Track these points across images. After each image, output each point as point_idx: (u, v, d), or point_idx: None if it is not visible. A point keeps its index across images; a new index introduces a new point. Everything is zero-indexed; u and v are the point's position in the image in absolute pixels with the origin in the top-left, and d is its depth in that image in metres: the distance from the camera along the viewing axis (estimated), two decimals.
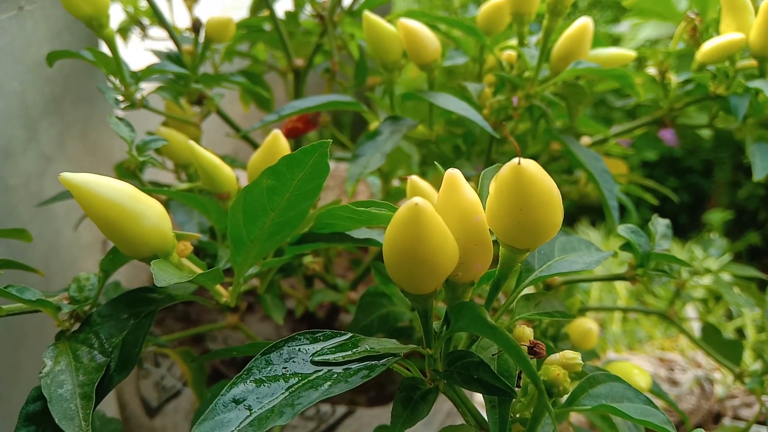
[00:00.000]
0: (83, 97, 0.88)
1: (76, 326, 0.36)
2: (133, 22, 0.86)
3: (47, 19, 0.80)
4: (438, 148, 0.55)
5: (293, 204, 0.32)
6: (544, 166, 0.57)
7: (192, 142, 0.39)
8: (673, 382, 0.81)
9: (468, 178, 0.54)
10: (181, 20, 0.82)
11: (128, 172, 0.43)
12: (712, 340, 0.61)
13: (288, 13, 0.67)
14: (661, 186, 0.64)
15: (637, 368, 0.42)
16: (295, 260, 0.47)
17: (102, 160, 0.94)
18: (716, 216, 1.77)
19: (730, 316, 1.02)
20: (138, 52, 0.86)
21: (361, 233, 0.36)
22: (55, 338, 0.36)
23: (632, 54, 0.54)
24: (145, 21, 0.88)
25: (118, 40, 0.88)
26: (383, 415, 0.59)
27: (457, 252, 0.25)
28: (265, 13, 0.78)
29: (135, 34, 0.89)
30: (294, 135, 0.66)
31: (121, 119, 0.42)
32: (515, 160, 0.24)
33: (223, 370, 0.69)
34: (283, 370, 0.26)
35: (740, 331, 0.98)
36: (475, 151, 0.55)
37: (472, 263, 0.27)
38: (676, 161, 2.01)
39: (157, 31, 0.86)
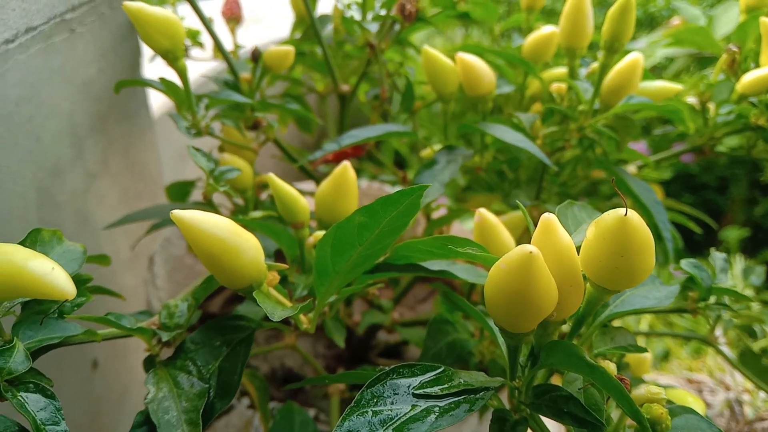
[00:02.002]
0: (125, 116, 0.90)
1: (164, 352, 0.37)
2: None
3: (95, 40, 0.82)
4: (486, 175, 0.57)
5: (380, 239, 0.34)
6: (588, 195, 0.58)
7: (272, 175, 0.41)
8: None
9: (513, 208, 0.55)
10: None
11: (205, 200, 0.45)
12: (750, 364, 0.62)
13: (337, 41, 0.69)
14: (701, 213, 0.66)
15: (691, 396, 0.44)
16: None
17: (141, 177, 0.96)
18: (733, 233, 1.78)
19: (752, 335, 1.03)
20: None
21: (435, 265, 0.38)
22: (144, 363, 0.38)
23: (679, 87, 0.56)
24: (187, 42, 0.90)
25: (159, 60, 0.90)
26: None
27: (557, 294, 0.27)
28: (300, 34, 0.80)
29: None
30: (341, 160, 0.67)
31: (198, 149, 0.44)
32: (621, 210, 0.25)
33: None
34: (389, 402, 0.28)
35: (765, 351, 0.98)
36: (522, 178, 0.57)
37: (566, 303, 0.28)
38: (692, 177, 2.02)
39: (198, 52, 0.88)
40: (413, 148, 1.67)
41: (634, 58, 0.51)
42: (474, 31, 2.03)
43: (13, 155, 0.65)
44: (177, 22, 0.45)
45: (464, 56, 0.51)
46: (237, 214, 0.56)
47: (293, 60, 0.57)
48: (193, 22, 0.77)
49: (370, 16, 0.67)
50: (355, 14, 0.72)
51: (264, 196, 0.66)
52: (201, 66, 1.10)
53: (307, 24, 0.78)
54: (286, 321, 0.42)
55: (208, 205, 0.46)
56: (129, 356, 0.92)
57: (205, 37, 0.76)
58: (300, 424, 0.43)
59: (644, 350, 0.34)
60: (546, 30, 0.59)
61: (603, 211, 0.41)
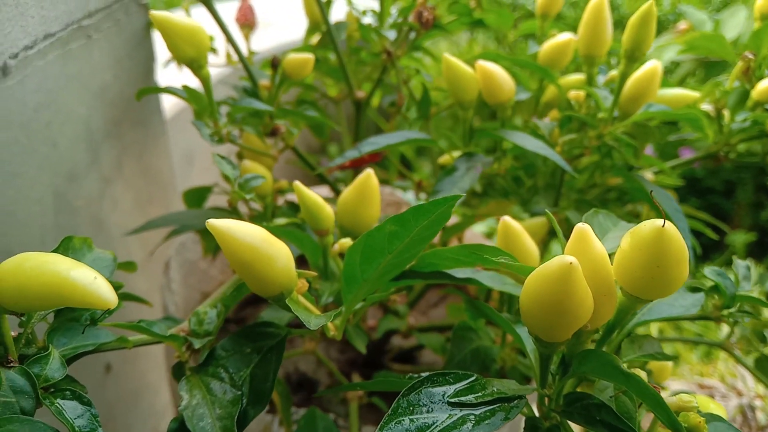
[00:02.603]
0: (139, 121, 0.91)
1: (192, 359, 0.37)
2: None
3: (111, 46, 0.83)
4: (504, 180, 0.57)
5: (409, 247, 0.34)
6: (603, 200, 0.59)
7: (299, 183, 0.41)
8: None
9: (534, 214, 0.56)
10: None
11: (230, 208, 0.45)
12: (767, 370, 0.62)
13: (352, 48, 0.69)
14: (713, 219, 0.66)
15: (713, 402, 0.44)
16: None
17: (154, 182, 0.97)
18: (739, 237, 1.79)
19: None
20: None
21: (462, 273, 0.38)
22: (173, 370, 0.38)
23: (696, 95, 0.56)
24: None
25: (173, 65, 0.91)
26: None
27: (593, 304, 0.27)
28: (314, 41, 0.80)
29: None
30: (357, 166, 0.68)
31: (223, 157, 0.44)
32: (658, 222, 0.26)
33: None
34: (425, 411, 0.28)
35: None
36: (539, 184, 0.57)
37: (600, 312, 0.29)
38: (697, 181, 2.02)
39: (212, 58, 0.89)
40: (419, 152, 1.67)
41: (652, 66, 0.52)
42: (479, 35, 2.04)
43: (31, 161, 0.65)
44: (202, 31, 0.46)
45: (485, 64, 0.51)
46: (256, 220, 0.56)
47: (312, 68, 0.57)
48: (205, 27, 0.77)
49: (387, 21, 0.67)
50: (371, 21, 0.73)
51: (280, 201, 0.66)
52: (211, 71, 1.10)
53: (321, 30, 0.79)
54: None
55: (229, 212, 0.47)
56: (140, 361, 0.92)
57: (218, 43, 0.77)
58: (323, 430, 0.44)
59: (672, 358, 0.35)
60: (563, 37, 0.60)
61: (621, 219, 0.41)
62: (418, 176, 0.68)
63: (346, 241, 0.40)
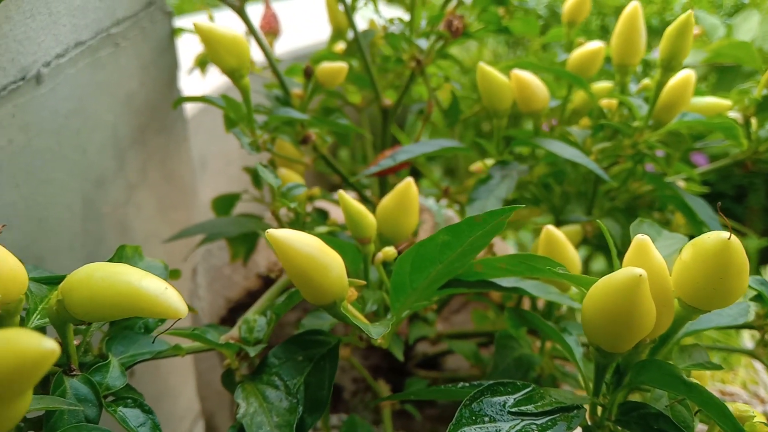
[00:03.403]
0: (163, 128, 0.91)
1: (243, 366, 0.38)
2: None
3: (137, 54, 0.84)
4: (535, 188, 0.58)
5: (460, 257, 0.35)
6: (631, 208, 0.59)
7: (342, 192, 0.41)
8: None
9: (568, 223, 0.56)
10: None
11: (274, 215, 0.46)
12: None
13: (383, 57, 0.70)
14: (739, 225, 0.66)
15: (754, 411, 0.44)
16: None
17: (177, 188, 0.98)
18: (752, 243, 1.78)
19: None
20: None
21: (509, 282, 0.39)
22: (223, 379, 0.38)
23: (728, 103, 0.57)
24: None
25: (195, 72, 0.91)
26: None
27: (655, 315, 0.27)
28: (339, 48, 0.81)
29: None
30: (387, 173, 0.68)
31: (265, 166, 0.44)
32: (723, 234, 0.26)
33: None
34: (487, 420, 0.28)
35: None
36: (571, 192, 0.58)
37: (658, 323, 0.29)
38: (709, 186, 2.01)
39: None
40: (430, 157, 1.67)
41: (686, 75, 0.52)
42: (489, 41, 2.04)
43: (61, 167, 0.66)
44: (244, 42, 0.46)
45: (520, 73, 0.52)
46: (289, 226, 0.57)
47: (345, 76, 0.58)
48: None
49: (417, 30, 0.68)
50: (396, 30, 0.73)
51: (308, 208, 0.67)
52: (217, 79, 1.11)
53: (344, 38, 0.79)
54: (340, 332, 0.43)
55: (256, 218, 0.47)
56: (162, 365, 0.93)
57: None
58: None
59: (721, 367, 0.35)
60: (593, 45, 0.60)
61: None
62: (426, 182, 0.68)
63: (390, 250, 0.41)
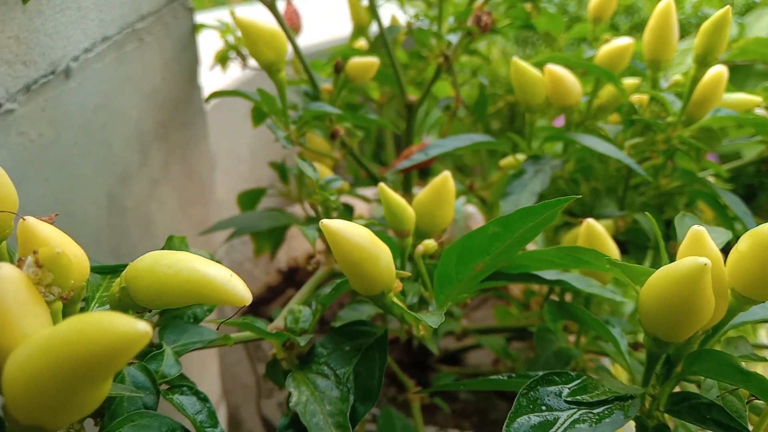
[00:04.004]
0: (184, 124, 0.92)
1: (286, 356, 0.38)
2: (230, 50, 0.89)
3: (161, 49, 0.84)
4: (565, 183, 0.58)
5: (509, 249, 0.35)
6: (660, 203, 0.59)
7: (383, 185, 0.42)
8: None
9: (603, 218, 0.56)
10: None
11: (314, 209, 0.46)
12: None
13: (411, 52, 0.70)
14: None
15: None
16: None
17: (196, 183, 0.98)
18: None
19: None
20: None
21: (552, 275, 0.39)
22: (268, 368, 0.39)
23: (759, 99, 0.57)
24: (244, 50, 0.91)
25: (216, 68, 0.92)
26: None
27: (714, 304, 0.28)
28: (359, 45, 0.81)
29: (235, 63, 0.93)
30: (412, 169, 0.68)
31: (305, 159, 0.45)
32: None
33: None
34: (545, 409, 0.29)
35: None
36: (601, 187, 0.58)
37: (714, 314, 0.29)
38: None
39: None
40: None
41: (719, 71, 0.52)
42: (498, 38, 2.04)
43: (88, 162, 0.66)
44: (282, 36, 0.47)
45: (554, 68, 0.52)
46: (316, 220, 0.57)
47: (376, 71, 0.58)
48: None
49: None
50: (421, 25, 0.74)
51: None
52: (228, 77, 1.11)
53: (365, 34, 0.79)
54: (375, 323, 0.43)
55: (281, 212, 0.47)
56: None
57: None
58: (401, 429, 0.44)
59: (765, 359, 0.35)
60: (622, 41, 0.60)
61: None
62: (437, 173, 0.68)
63: (430, 243, 0.41)
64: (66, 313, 0.27)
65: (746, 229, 0.45)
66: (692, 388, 0.38)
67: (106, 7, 0.70)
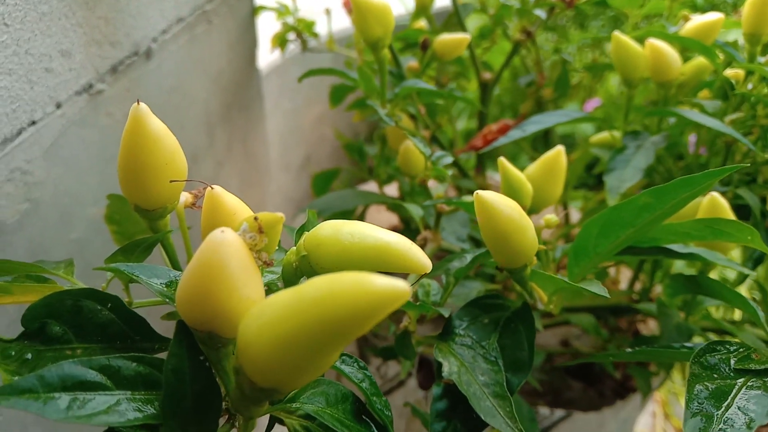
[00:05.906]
0: (244, 105, 0.92)
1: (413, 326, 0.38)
2: (289, 31, 0.88)
3: (226, 30, 0.84)
4: (664, 161, 0.57)
5: (656, 220, 0.34)
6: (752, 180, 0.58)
7: (503, 159, 0.41)
8: None
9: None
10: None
11: (421, 186, 0.46)
12: None
13: (485, 27, 0.69)
14: None
15: None
16: None
17: (254, 166, 0.98)
18: None
19: None
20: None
21: (683, 248, 0.39)
22: (397, 339, 0.39)
23: None
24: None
25: (273, 50, 0.91)
26: (594, 420, 0.62)
27: None
28: (419, 24, 0.80)
29: (294, 45, 0.92)
30: (488, 144, 0.68)
31: (414, 135, 0.44)
32: None
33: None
34: (716, 377, 0.29)
35: None
36: (694, 164, 0.57)
37: None
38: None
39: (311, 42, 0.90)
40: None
41: None
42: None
43: None
44: (391, 12, 0.46)
45: (656, 42, 0.51)
46: (406, 197, 0.57)
47: (465, 48, 0.58)
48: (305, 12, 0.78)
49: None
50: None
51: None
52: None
53: (427, 14, 0.79)
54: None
55: (370, 193, 0.47)
56: None
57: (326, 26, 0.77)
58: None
59: None
60: (712, 16, 0.59)
61: None
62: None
63: (552, 218, 0.41)
64: None
65: None
66: None
67: None
